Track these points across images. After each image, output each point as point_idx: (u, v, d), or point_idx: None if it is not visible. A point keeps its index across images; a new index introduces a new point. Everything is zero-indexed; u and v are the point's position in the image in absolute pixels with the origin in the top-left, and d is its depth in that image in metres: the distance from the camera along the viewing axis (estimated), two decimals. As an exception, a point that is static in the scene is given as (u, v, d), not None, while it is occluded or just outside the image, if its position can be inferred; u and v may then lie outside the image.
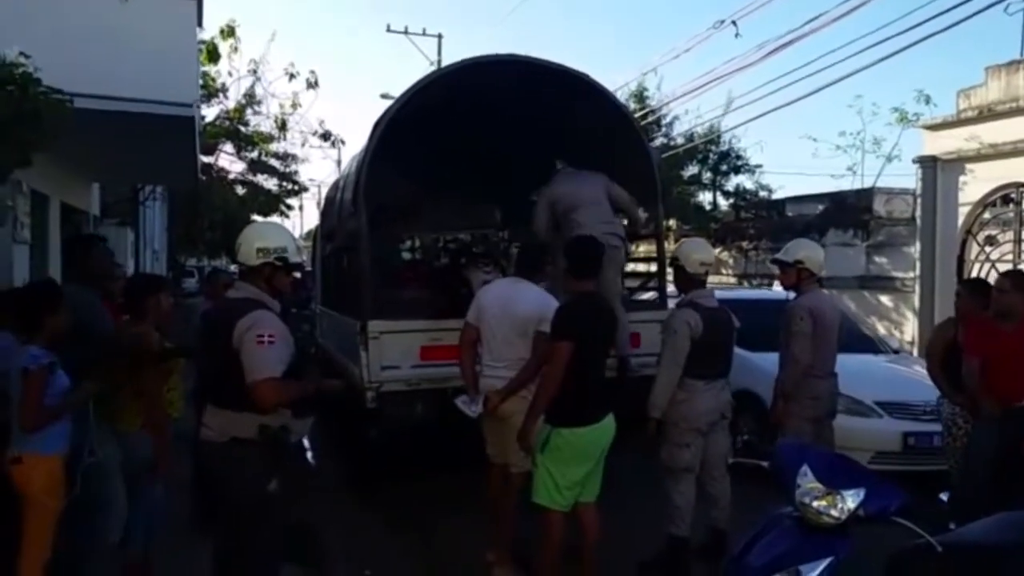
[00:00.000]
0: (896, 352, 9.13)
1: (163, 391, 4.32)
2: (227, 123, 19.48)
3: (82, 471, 4.05)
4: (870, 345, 8.95)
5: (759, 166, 22.70)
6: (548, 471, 4.46)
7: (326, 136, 18.07)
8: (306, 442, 9.26)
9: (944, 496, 3.45)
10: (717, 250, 22.27)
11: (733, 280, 20.90)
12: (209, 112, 20.20)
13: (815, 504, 3.01)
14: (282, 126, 17.03)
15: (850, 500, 2.97)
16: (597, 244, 4.91)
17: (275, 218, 23.79)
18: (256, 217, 25.37)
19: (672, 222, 23.30)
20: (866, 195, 17.28)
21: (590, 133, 7.29)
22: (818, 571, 2.91)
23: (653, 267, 8.21)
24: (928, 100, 17.57)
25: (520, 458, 4.86)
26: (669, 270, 6.40)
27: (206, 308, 5.27)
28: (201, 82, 18.37)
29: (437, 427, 6.33)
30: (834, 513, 2.98)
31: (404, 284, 7.59)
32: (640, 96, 21.77)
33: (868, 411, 7.11)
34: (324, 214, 10.11)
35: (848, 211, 17.13)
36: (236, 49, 15.68)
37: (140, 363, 4.17)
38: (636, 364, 6.74)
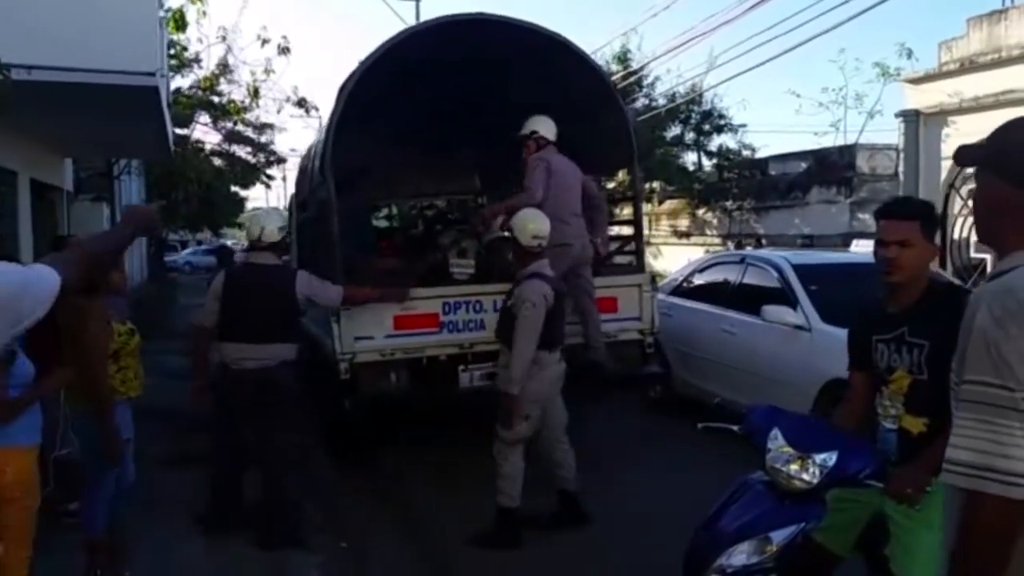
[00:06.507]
0: None
1: (103, 371, 4.12)
2: (200, 93, 19.12)
3: (55, 463, 3.92)
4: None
5: (743, 125, 22.56)
6: None
7: (301, 103, 17.70)
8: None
9: None
10: (701, 211, 22.20)
11: (718, 241, 20.84)
12: (184, 82, 19.87)
13: (785, 468, 2.93)
14: (255, 94, 16.67)
15: (821, 464, 2.89)
16: None
17: (257, 188, 23.56)
18: (234, 188, 25.13)
19: (656, 184, 23.17)
20: (849, 152, 17.22)
21: (566, 95, 7.12)
22: (787, 536, 2.84)
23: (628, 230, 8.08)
24: (910, 54, 17.46)
25: None
26: (648, 233, 6.29)
27: (230, 271, 5.57)
28: (172, 51, 18.05)
29: (413, 397, 6.26)
30: (805, 477, 2.90)
31: (377, 253, 7.46)
32: (622, 57, 21.51)
33: None
34: (298, 183, 9.93)
35: (831, 168, 17.08)
36: (204, 14, 15.27)
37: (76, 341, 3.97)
38: (615, 329, 6.71)
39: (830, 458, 2.89)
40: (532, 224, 5.17)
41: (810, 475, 2.90)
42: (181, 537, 5.13)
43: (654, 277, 7.57)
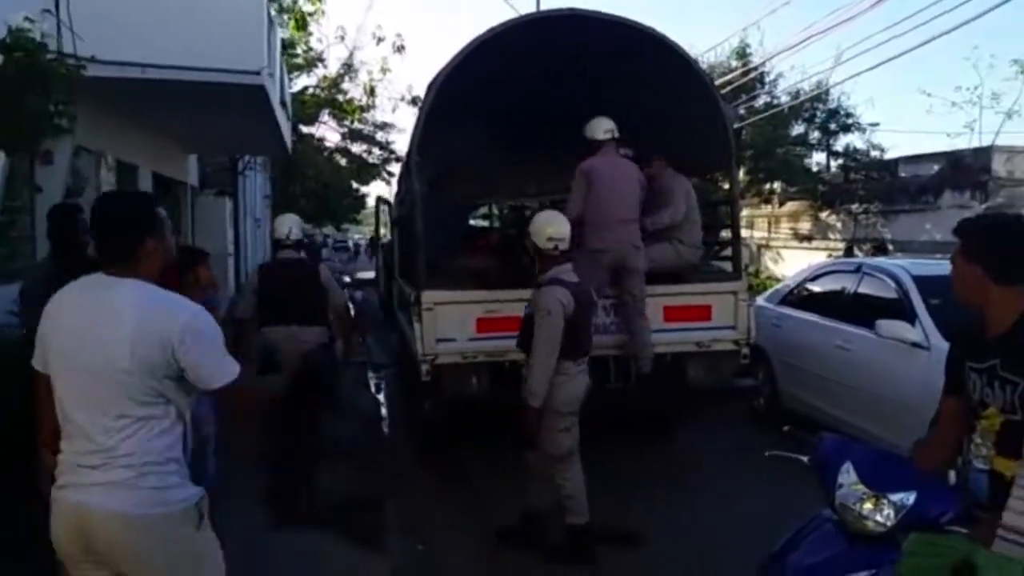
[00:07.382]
0: None
1: None
2: (322, 92, 19.68)
3: None
4: None
5: (876, 124, 21.45)
6: None
7: (415, 101, 18.01)
8: (384, 411, 9.28)
9: None
10: (825, 213, 21.25)
11: (842, 245, 19.90)
12: (310, 81, 20.53)
13: (857, 507, 2.65)
14: (371, 92, 17.08)
15: (898, 504, 2.60)
16: None
17: (377, 184, 24.13)
18: (355, 185, 25.83)
19: (776, 184, 22.34)
20: (984, 154, 16.16)
21: (662, 92, 6.86)
22: (856, 586, 2.55)
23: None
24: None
25: None
26: (747, 233, 5.95)
27: (262, 267, 6.34)
28: (298, 51, 18.66)
29: (494, 401, 6.13)
30: (879, 519, 2.62)
31: (467, 253, 7.37)
32: (742, 53, 20.84)
33: None
34: (399, 180, 10.03)
35: (965, 171, 16.08)
36: (323, 13, 15.77)
37: None
38: (708, 338, 6.41)
39: (907, 498, 2.60)
40: (549, 227, 4.92)
41: (884, 516, 2.62)
42: (261, 531, 5.12)
43: (751, 285, 7.18)
